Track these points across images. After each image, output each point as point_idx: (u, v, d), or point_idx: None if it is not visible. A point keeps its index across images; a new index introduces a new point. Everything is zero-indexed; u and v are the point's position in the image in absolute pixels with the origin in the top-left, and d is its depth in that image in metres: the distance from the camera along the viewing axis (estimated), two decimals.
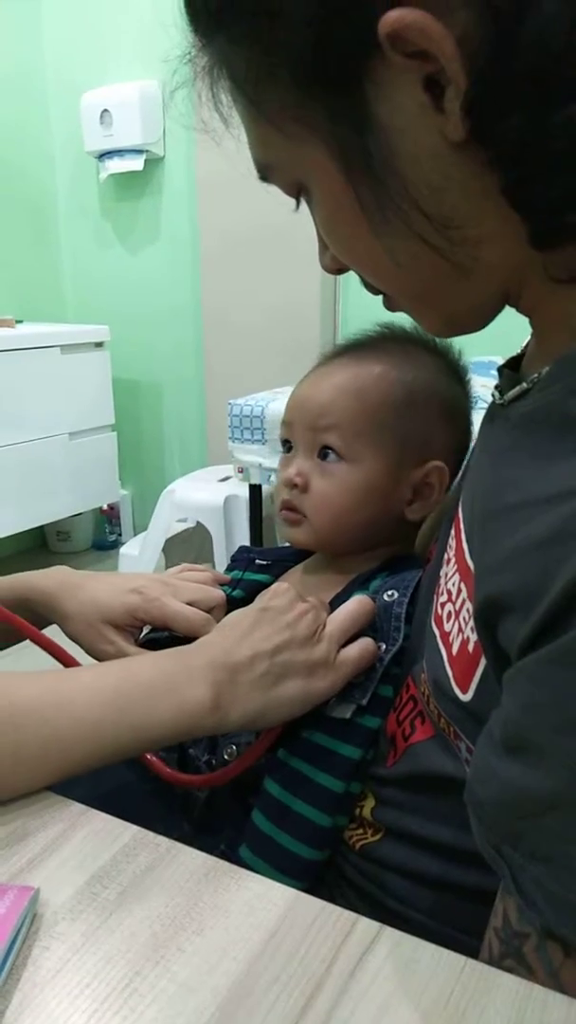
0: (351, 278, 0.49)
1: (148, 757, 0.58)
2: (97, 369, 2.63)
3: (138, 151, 2.61)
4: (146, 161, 2.62)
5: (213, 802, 0.64)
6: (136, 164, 2.62)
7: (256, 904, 0.38)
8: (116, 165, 2.66)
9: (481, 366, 1.06)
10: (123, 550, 2.51)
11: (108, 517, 2.99)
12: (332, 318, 2.36)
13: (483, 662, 0.41)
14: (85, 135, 2.66)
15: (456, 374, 0.68)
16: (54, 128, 2.84)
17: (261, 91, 0.40)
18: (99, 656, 0.62)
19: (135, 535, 2.75)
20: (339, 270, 0.49)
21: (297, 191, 0.44)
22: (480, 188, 0.37)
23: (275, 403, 1.89)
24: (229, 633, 0.55)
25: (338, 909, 0.38)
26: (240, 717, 0.51)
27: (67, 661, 0.61)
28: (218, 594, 0.65)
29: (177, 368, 2.80)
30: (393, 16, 0.33)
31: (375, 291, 0.48)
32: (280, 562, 0.72)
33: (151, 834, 0.43)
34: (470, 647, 0.42)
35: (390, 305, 0.49)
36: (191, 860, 0.42)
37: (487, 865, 0.37)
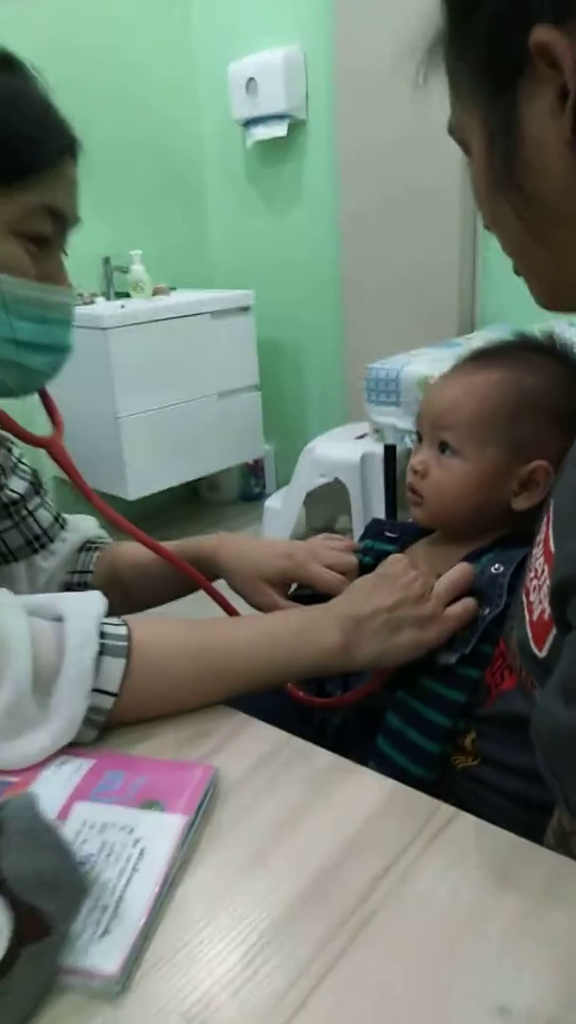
0: (490, 245, 0.58)
1: (289, 686, 0.73)
2: (243, 332, 2.79)
3: (282, 117, 2.70)
4: (289, 126, 2.71)
5: (344, 730, 0.78)
6: (280, 130, 2.72)
7: (364, 792, 0.52)
8: (261, 132, 2.77)
9: None
10: (267, 503, 2.69)
11: (253, 471, 3.19)
12: (471, 283, 2.38)
13: (555, 630, 0.52)
14: (232, 104, 2.79)
15: None
16: (202, 99, 2.98)
17: (457, 72, 0.52)
18: (257, 606, 0.78)
19: (277, 488, 2.93)
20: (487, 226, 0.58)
21: (466, 149, 0.55)
22: (575, 183, 0.46)
23: (410, 366, 1.98)
24: (357, 593, 0.69)
25: (424, 797, 0.51)
26: (364, 658, 0.65)
27: (230, 610, 0.77)
28: (351, 560, 0.79)
29: (318, 329, 2.91)
30: (538, 33, 0.43)
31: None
32: (406, 536, 0.85)
33: (295, 737, 0.58)
34: (546, 616, 0.53)
35: (515, 268, 0.58)
36: (321, 759, 0.56)
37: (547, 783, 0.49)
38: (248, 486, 3.23)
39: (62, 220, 0.68)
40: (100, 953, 0.41)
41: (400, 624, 0.65)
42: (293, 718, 0.77)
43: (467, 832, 0.49)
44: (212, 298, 2.72)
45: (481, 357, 0.78)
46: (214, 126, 2.98)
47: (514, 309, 2.13)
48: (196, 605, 0.88)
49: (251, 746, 0.58)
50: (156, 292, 2.77)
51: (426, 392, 0.81)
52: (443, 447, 0.76)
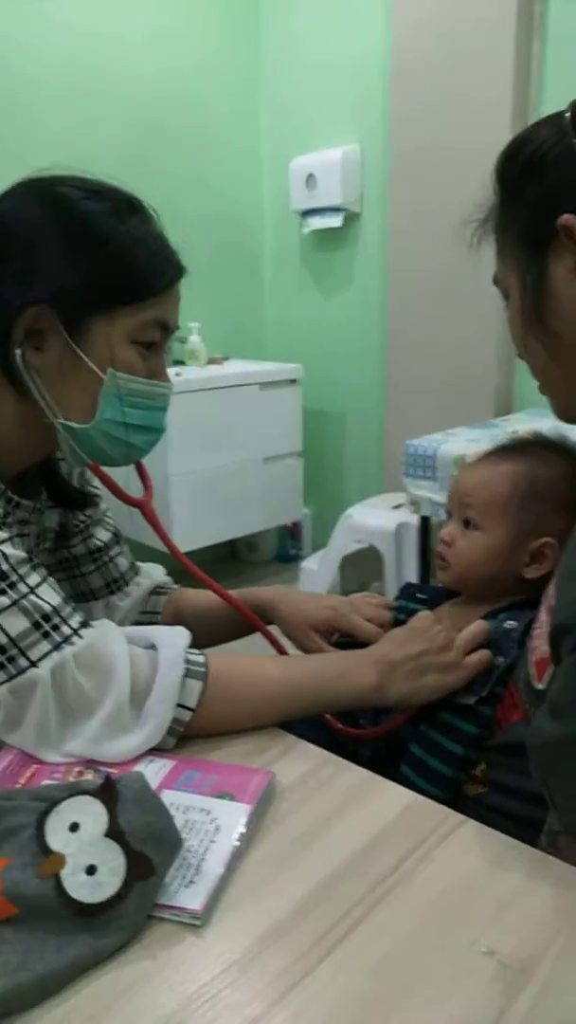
0: None
1: (328, 718, 0.87)
2: (290, 402, 2.97)
3: (337, 210, 2.93)
4: (344, 218, 2.94)
5: (373, 759, 0.91)
6: (335, 221, 2.95)
7: (390, 800, 0.65)
8: (318, 222, 3.00)
9: None
10: (304, 564, 2.83)
11: (291, 533, 3.34)
12: (509, 369, 2.54)
13: (551, 666, 0.65)
14: (292, 195, 3.04)
15: None
16: (265, 188, 3.24)
17: (503, 239, 0.69)
18: (305, 649, 0.92)
19: (313, 551, 3.07)
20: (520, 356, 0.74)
21: (506, 296, 0.71)
22: None
23: (447, 445, 2.13)
24: (391, 642, 0.83)
25: (438, 806, 0.64)
26: (395, 696, 0.78)
27: (281, 650, 0.91)
28: (387, 615, 0.93)
29: (361, 403, 3.09)
30: (564, 218, 0.60)
31: None
32: (434, 598, 0.99)
33: (335, 756, 0.71)
34: (545, 656, 0.66)
35: (540, 388, 0.73)
36: (356, 774, 0.69)
37: (548, 805, 0.62)
38: (285, 548, 3.38)
39: (168, 329, 0.84)
40: (188, 896, 0.54)
41: (426, 669, 0.79)
42: (329, 747, 0.91)
43: (472, 833, 0.61)
44: (263, 370, 2.91)
45: (503, 451, 0.94)
46: (274, 213, 3.23)
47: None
48: (249, 646, 1.03)
49: (301, 760, 0.71)
50: (210, 361, 2.98)
51: (456, 477, 0.96)
52: (467, 522, 0.92)
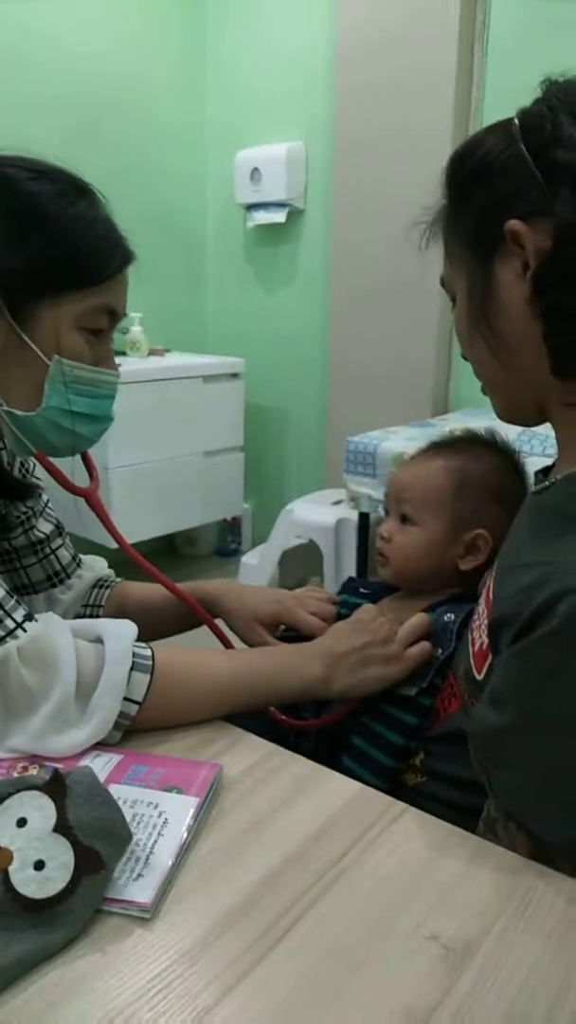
0: None
1: (272, 710, 0.87)
2: (232, 396, 2.97)
3: (282, 205, 2.94)
4: (288, 214, 2.95)
5: (315, 752, 0.92)
6: (279, 217, 2.96)
7: (335, 790, 0.67)
8: (262, 217, 3.00)
9: None
10: (244, 559, 2.83)
11: (230, 527, 3.34)
12: (446, 370, 2.60)
13: (490, 657, 0.67)
14: (236, 188, 3.03)
15: (513, 468, 0.94)
16: (209, 180, 3.22)
17: (451, 241, 0.70)
18: (250, 643, 0.92)
19: (253, 545, 3.08)
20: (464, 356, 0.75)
21: (453, 297, 0.72)
22: (529, 328, 0.64)
23: (387, 442, 2.16)
24: (335, 635, 0.84)
25: (381, 795, 0.65)
26: (340, 688, 0.80)
27: (227, 644, 0.91)
28: (331, 609, 0.94)
29: (302, 400, 3.11)
30: (510, 223, 0.61)
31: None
32: (376, 592, 1.00)
33: (282, 748, 0.72)
34: (484, 647, 0.68)
35: (483, 389, 0.75)
36: (302, 765, 0.70)
37: (486, 792, 0.64)
38: (224, 542, 3.38)
39: (115, 316, 0.84)
40: (136, 889, 0.54)
41: (370, 661, 0.81)
42: (271, 740, 0.91)
43: (414, 822, 0.63)
44: (205, 363, 2.90)
45: (436, 447, 0.97)
46: (218, 206, 3.22)
47: (483, 396, 2.33)
48: (194, 640, 1.03)
49: (247, 752, 0.72)
50: (152, 353, 2.95)
51: (392, 474, 0.99)
52: (404, 518, 0.95)
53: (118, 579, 1.08)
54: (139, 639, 0.82)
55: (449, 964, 0.49)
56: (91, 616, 1.04)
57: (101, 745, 0.70)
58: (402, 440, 2.17)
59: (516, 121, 0.64)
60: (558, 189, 0.59)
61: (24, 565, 0.98)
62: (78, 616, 1.04)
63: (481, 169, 0.65)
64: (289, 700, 0.84)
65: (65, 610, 1.02)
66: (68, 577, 1.03)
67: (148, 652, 0.74)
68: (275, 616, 0.93)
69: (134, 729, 0.72)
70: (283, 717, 0.89)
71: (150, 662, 0.73)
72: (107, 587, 1.06)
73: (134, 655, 0.73)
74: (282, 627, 0.95)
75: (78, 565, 1.06)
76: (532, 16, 2.22)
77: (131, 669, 0.72)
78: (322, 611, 0.93)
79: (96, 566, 1.08)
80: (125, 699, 0.71)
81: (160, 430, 2.73)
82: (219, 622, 0.97)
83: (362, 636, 0.82)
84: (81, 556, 1.07)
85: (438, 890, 0.56)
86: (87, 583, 1.05)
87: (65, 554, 1.03)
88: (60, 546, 1.03)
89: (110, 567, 1.12)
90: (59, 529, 1.03)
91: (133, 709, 0.71)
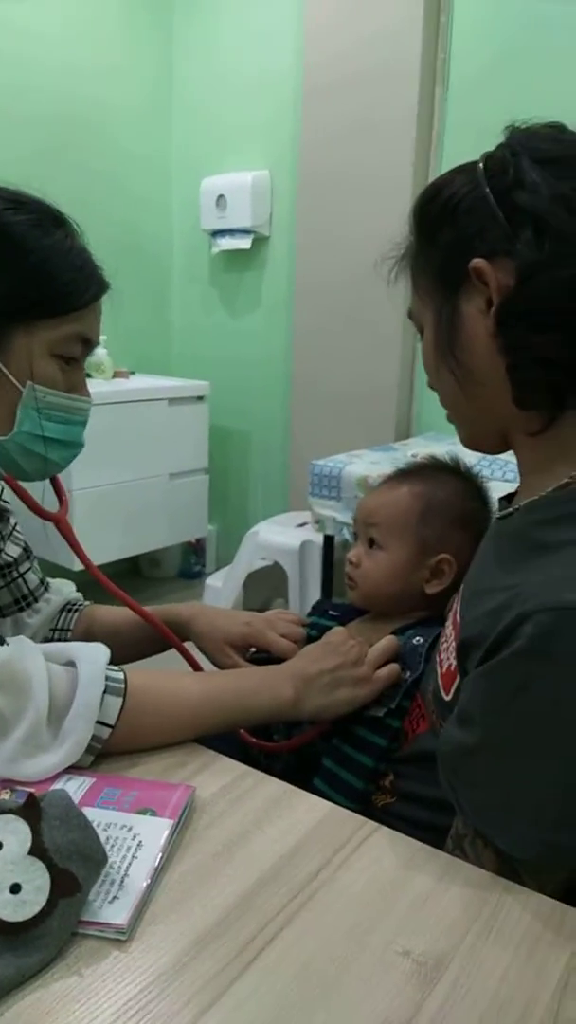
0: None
1: (243, 733, 0.88)
2: (197, 419, 2.98)
3: (247, 232, 2.98)
4: (253, 240, 2.99)
5: (285, 774, 0.92)
6: (244, 243, 3.00)
7: (308, 810, 0.68)
8: (227, 243, 3.04)
9: None
10: (208, 581, 2.83)
11: (194, 550, 3.34)
12: (409, 395, 2.65)
13: (458, 678, 0.69)
14: (202, 215, 3.06)
15: (477, 494, 0.97)
16: (175, 207, 3.26)
17: (419, 276, 0.73)
18: (220, 665, 0.93)
19: (217, 568, 3.08)
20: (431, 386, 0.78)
21: (420, 329, 0.75)
22: (493, 361, 0.66)
23: (351, 466, 2.19)
24: (305, 657, 0.85)
25: (353, 815, 0.66)
26: (310, 709, 0.81)
27: (196, 667, 0.92)
28: (301, 632, 0.96)
29: (266, 423, 3.13)
30: (475, 262, 0.64)
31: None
32: (345, 615, 1.02)
33: (254, 769, 0.73)
34: (452, 669, 0.70)
35: (448, 417, 0.77)
36: (274, 786, 0.71)
37: (454, 811, 0.65)
38: (188, 564, 3.37)
39: (89, 344, 0.85)
40: (112, 911, 0.55)
41: (340, 683, 0.82)
42: (242, 763, 0.92)
43: (384, 840, 0.64)
44: (171, 386, 2.91)
45: (402, 474, 1.00)
46: (184, 231, 3.25)
47: (444, 421, 2.37)
48: (164, 663, 1.03)
49: (220, 774, 0.72)
50: (116, 375, 2.95)
51: (360, 500, 1.01)
52: (371, 543, 0.97)
53: (86, 602, 1.08)
54: (109, 663, 0.82)
55: (421, 979, 0.51)
56: (59, 640, 1.03)
57: (74, 768, 0.70)
58: (366, 464, 2.20)
59: (481, 164, 0.67)
60: (520, 230, 0.63)
61: None
62: (46, 640, 1.03)
63: (448, 209, 0.68)
64: (260, 722, 0.85)
65: (33, 633, 1.02)
66: (36, 601, 1.03)
67: (121, 675, 0.75)
68: (245, 638, 0.94)
69: (107, 752, 0.72)
70: (253, 739, 0.90)
71: (123, 685, 0.74)
72: (75, 611, 1.06)
73: (107, 678, 0.73)
74: (252, 649, 0.96)
75: (46, 589, 1.05)
76: (492, 55, 2.30)
77: (104, 692, 0.72)
78: (292, 633, 0.95)
79: (64, 590, 1.08)
80: (98, 722, 0.71)
81: (125, 452, 2.73)
82: (190, 645, 0.98)
83: (332, 658, 0.84)
84: (49, 580, 1.07)
85: (409, 906, 0.57)
86: (55, 607, 1.05)
87: (33, 578, 1.03)
88: (28, 570, 1.03)
89: (78, 590, 1.12)
90: (27, 552, 1.03)
91: (106, 732, 0.72)
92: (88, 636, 1.03)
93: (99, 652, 0.75)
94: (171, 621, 0.97)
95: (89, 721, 0.70)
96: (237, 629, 0.94)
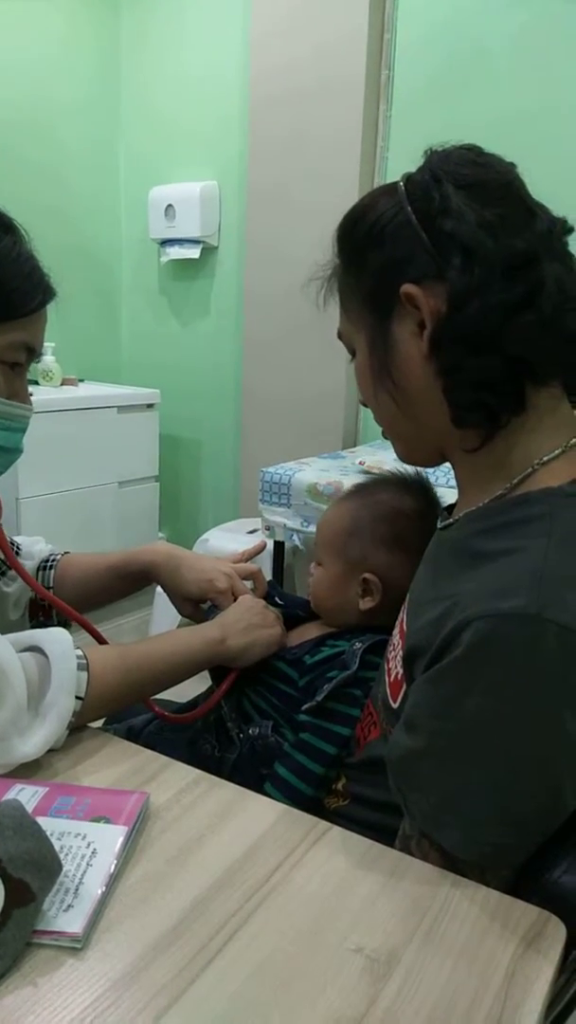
0: None
1: (155, 708, 0.98)
2: (147, 427, 2.97)
3: (196, 241, 2.98)
4: (202, 250, 2.99)
5: (235, 774, 0.93)
6: (193, 253, 2.99)
7: (262, 812, 0.69)
8: (176, 252, 3.03)
9: None
10: (159, 588, 2.81)
11: None
12: (355, 405, 2.68)
13: (405, 686, 0.71)
14: (150, 224, 3.05)
15: (418, 511, 0.96)
16: (123, 215, 3.24)
17: (347, 299, 0.74)
18: (179, 611, 1.04)
19: None
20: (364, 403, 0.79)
21: (351, 350, 0.76)
22: (429, 382, 0.68)
23: (301, 473, 2.21)
24: (231, 613, 0.95)
25: (305, 816, 0.68)
26: (236, 648, 0.92)
27: (101, 640, 0.94)
28: (262, 579, 1.07)
29: (216, 431, 3.13)
30: (406, 287, 0.65)
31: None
32: (290, 605, 1.06)
33: (208, 774, 0.73)
34: (400, 677, 0.72)
35: (383, 433, 0.79)
36: (227, 790, 0.72)
37: (402, 813, 0.67)
38: None
39: (33, 352, 0.85)
40: (66, 920, 0.54)
41: (257, 627, 0.95)
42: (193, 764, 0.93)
43: (337, 839, 0.66)
44: (120, 393, 2.89)
45: (353, 490, 1.02)
46: (132, 240, 3.23)
47: None
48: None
49: (173, 780, 0.73)
50: (65, 382, 2.91)
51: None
52: (317, 559, 1.00)
53: (58, 554, 1.10)
54: (81, 606, 0.89)
55: (373, 974, 0.52)
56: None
57: (26, 778, 0.70)
58: (315, 471, 2.22)
59: (402, 185, 0.68)
60: (448, 257, 0.64)
61: None
62: (32, 602, 1.06)
63: (374, 233, 0.69)
64: (200, 665, 0.92)
65: (16, 601, 1.02)
66: (8, 568, 1.03)
67: (81, 652, 0.78)
68: (203, 592, 1.02)
69: (77, 725, 0.77)
70: (166, 713, 0.98)
71: (85, 660, 0.78)
72: (51, 568, 1.08)
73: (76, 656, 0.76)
74: (209, 602, 1.04)
75: (17, 553, 1.05)
76: (435, 72, 2.35)
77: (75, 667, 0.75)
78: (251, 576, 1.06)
79: (35, 550, 1.10)
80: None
81: (74, 460, 2.70)
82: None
83: (249, 613, 0.96)
84: (18, 542, 1.07)
85: (361, 903, 0.58)
86: (30, 571, 1.05)
87: None
88: None
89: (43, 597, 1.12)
90: None
91: (78, 705, 0.75)
92: (60, 589, 1.06)
93: (60, 632, 0.78)
94: (140, 567, 1.04)
95: (69, 694, 0.74)
96: (195, 587, 1.02)
